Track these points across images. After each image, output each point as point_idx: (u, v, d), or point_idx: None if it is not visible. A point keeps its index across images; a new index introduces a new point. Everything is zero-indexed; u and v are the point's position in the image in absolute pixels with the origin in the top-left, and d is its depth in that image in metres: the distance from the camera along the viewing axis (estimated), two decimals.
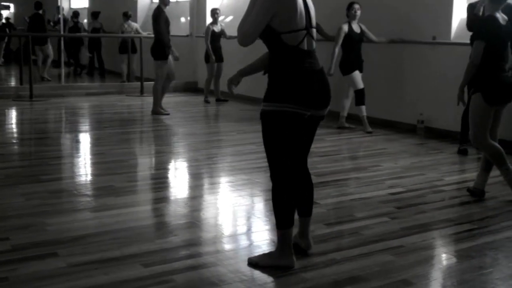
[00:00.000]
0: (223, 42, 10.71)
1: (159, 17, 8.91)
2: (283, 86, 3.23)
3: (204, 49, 10.86)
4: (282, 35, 3.20)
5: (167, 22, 9.03)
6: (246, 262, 3.49)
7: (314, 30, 3.36)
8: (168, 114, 9.06)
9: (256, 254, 3.56)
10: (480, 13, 5.55)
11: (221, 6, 11.93)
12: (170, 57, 9.12)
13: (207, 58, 10.70)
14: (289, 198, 3.36)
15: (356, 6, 7.79)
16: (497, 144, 4.76)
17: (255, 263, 3.44)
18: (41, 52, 13.69)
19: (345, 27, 7.79)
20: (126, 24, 13.35)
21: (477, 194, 4.87)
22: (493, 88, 4.62)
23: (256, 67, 3.57)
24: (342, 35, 7.75)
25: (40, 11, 13.79)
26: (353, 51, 7.84)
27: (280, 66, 3.26)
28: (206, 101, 10.76)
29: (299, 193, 3.52)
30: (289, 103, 3.20)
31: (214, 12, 10.69)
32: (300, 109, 3.22)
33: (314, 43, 3.34)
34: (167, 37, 8.97)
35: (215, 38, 10.61)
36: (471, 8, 6.29)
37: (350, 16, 7.84)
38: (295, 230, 3.51)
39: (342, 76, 7.94)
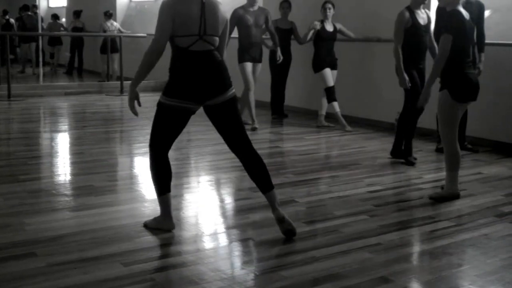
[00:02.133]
0: None
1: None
2: (173, 82, 3.72)
3: None
4: (176, 38, 3.65)
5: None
6: (226, 260, 3.51)
7: (210, 37, 3.67)
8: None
9: (212, 246, 3.79)
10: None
11: None
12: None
13: None
14: (161, 170, 3.85)
15: (328, 5, 8.02)
16: (458, 151, 4.74)
17: (145, 225, 3.98)
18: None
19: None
20: (108, 23, 13.28)
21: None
22: (461, 85, 4.64)
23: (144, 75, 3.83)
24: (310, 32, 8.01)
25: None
26: (323, 49, 8.01)
27: (172, 64, 3.75)
28: None
29: (250, 173, 3.89)
30: (174, 97, 3.68)
31: None
32: (185, 103, 3.68)
33: (208, 45, 3.69)
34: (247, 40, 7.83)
35: None
36: (439, 11, 6.42)
37: (322, 15, 8.03)
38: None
39: (314, 73, 8.07)
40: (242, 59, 7.81)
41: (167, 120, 3.77)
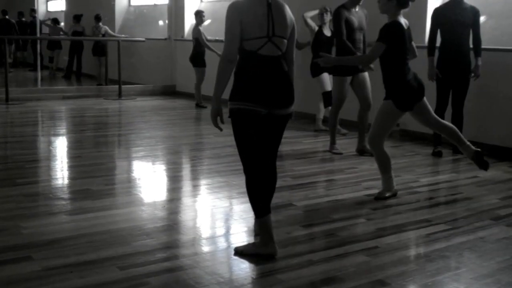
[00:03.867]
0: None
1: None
2: (240, 85, 3.50)
3: (188, 52, 10.65)
4: (244, 42, 3.48)
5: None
6: (223, 264, 3.51)
7: (278, 38, 3.52)
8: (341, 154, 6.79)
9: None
10: None
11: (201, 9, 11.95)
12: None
13: (198, 62, 10.40)
14: (259, 189, 3.58)
15: (324, 10, 8.02)
16: (387, 153, 4.90)
17: (240, 251, 3.61)
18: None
19: (315, 31, 8.04)
20: (96, 26, 13.40)
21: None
22: (404, 95, 4.74)
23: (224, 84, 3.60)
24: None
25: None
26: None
27: (239, 68, 3.53)
28: (202, 106, 10.50)
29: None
30: (243, 101, 3.46)
31: (202, 15, 10.38)
32: (255, 107, 3.46)
33: (277, 50, 3.53)
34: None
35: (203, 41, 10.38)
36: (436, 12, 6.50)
37: (319, 20, 8.06)
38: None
39: (312, 78, 8.07)
40: (340, 71, 6.65)
41: (248, 125, 3.51)
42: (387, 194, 4.88)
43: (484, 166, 4.83)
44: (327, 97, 7.97)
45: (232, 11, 3.47)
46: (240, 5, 3.49)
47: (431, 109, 4.93)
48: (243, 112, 3.48)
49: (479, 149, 4.85)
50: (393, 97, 4.74)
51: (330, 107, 7.96)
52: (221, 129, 3.57)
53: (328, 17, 8.01)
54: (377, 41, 4.72)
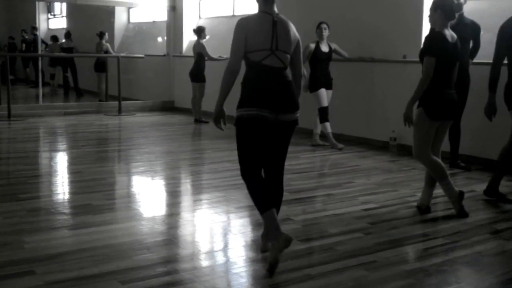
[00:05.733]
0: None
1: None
2: (246, 93, 3.71)
3: (187, 68, 10.73)
4: (249, 54, 3.72)
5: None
6: (223, 278, 3.55)
7: (281, 53, 3.73)
8: None
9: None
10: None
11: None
12: None
13: (200, 77, 10.47)
14: (257, 189, 3.73)
15: (323, 25, 8.11)
16: (438, 159, 4.88)
17: (273, 265, 3.55)
18: None
19: (312, 46, 8.06)
20: (99, 43, 13.54)
21: (422, 210, 4.99)
22: (436, 104, 4.72)
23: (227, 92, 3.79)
24: (306, 53, 7.99)
25: None
26: (319, 69, 8.09)
27: (245, 77, 3.76)
28: (203, 121, 10.57)
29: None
30: (249, 107, 3.65)
31: (203, 31, 10.46)
32: (261, 112, 3.64)
33: (280, 62, 3.73)
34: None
35: (204, 56, 10.44)
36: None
37: (318, 35, 8.11)
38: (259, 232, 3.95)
39: (309, 93, 8.13)
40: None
41: (249, 132, 3.71)
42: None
43: (463, 214, 4.87)
44: (323, 112, 8.05)
45: (239, 26, 3.72)
46: (247, 21, 3.75)
47: (442, 141, 4.97)
48: (250, 118, 3.66)
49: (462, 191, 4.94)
50: (424, 105, 4.73)
51: (327, 122, 8.04)
52: (222, 129, 3.89)
53: (326, 33, 8.08)
54: (424, 56, 4.71)
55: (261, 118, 3.65)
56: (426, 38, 4.82)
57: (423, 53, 4.74)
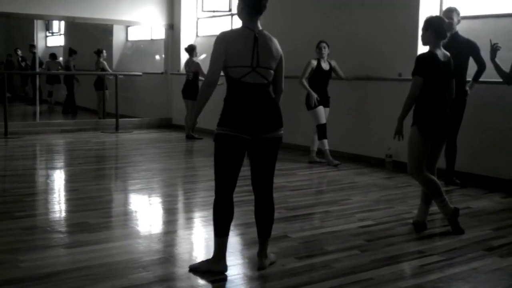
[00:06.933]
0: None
1: None
2: (225, 112, 3.74)
3: (182, 85, 10.86)
4: (229, 69, 3.73)
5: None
6: None
7: (263, 69, 3.74)
8: None
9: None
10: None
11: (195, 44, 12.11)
12: None
13: (194, 95, 10.24)
14: (222, 212, 3.85)
15: (322, 45, 8.15)
16: (432, 177, 4.90)
17: (195, 268, 3.90)
18: None
19: (314, 63, 8.10)
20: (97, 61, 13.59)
21: (418, 226, 4.99)
22: (429, 122, 4.76)
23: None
24: (309, 69, 8.04)
25: None
26: (318, 87, 8.10)
27: (226, 96, 3.78)
28: (197, 138, 10.66)
29: (258, 215, 3.95)
30: (226, 126, 3.71)
31: (194, 49, 10.63)
32: (236, 132, 3.68)
33: (262, 79, 3.75)
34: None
35: (199, 75, 10.50)
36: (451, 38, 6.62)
37: (317, 54, 8.15)
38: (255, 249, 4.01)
39: (307, 111, 8.15)
40: None
41: (226, 151, 3.75)
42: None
43: (459, 231, 4.89)
44: (321, 130, 8.08)
45: (219, 38, 3.73)
46: (227, 35, 3.77)
47: (438, 159, 5.01)
48: (225, 138, 3.71)
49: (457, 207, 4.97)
50: (418, 123, 4.77)
51: (325, 140, 8.07)
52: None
53: (326, 51, 8.11)
54: (413, 75, 4.76)
55: (235, 138, 3.69)
56: (416, 58, 4.87)
57: (412, 73, 4.80)
